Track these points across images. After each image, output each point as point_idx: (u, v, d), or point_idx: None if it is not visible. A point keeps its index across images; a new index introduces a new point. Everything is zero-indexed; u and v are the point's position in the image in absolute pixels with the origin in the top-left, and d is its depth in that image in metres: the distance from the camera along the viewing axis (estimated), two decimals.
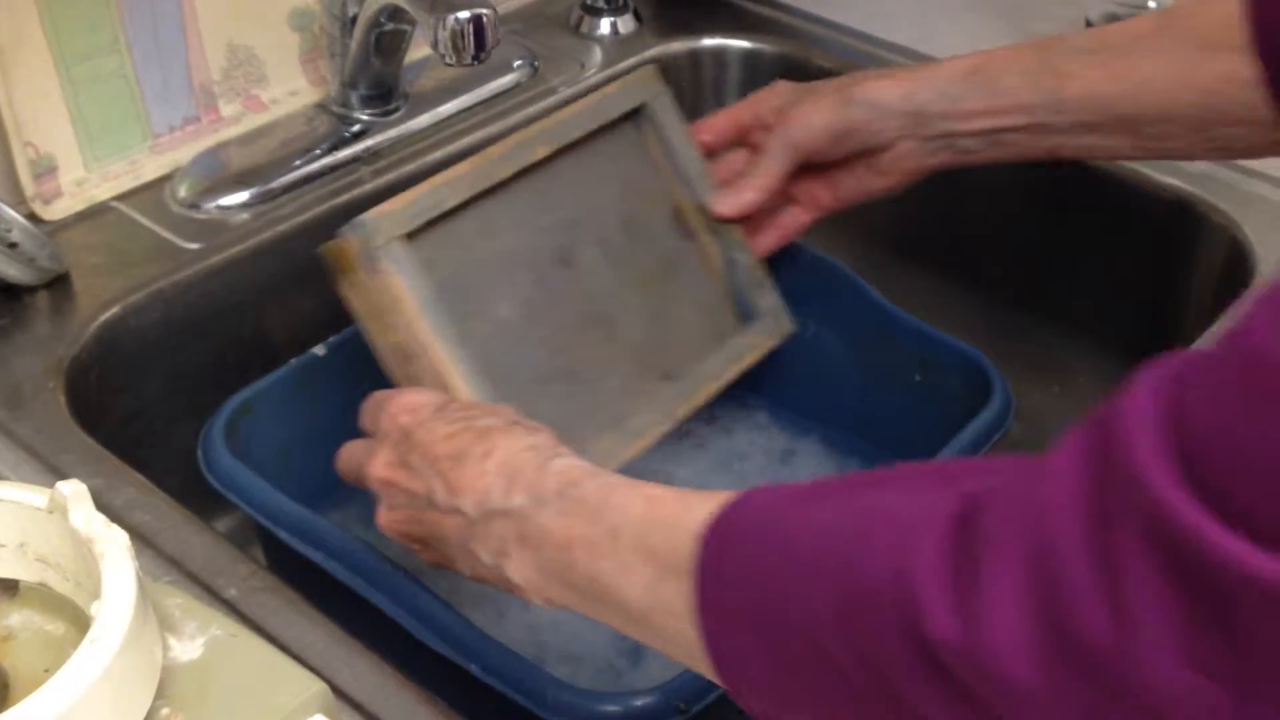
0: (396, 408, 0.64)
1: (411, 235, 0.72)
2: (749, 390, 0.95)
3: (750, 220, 0.83)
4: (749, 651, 0.45)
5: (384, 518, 0.63)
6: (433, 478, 0.60)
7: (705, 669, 0.47)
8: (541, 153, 0.78)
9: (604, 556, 0.51)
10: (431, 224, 0.73)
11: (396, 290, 0.70)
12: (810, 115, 0.78)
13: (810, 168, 0.80)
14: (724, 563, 0.46)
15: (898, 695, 0.40)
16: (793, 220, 0.83)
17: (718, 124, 0.83)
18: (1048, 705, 0.36)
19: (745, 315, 0.85)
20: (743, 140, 0.83)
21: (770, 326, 0.85)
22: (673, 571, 0.48)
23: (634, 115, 0.82)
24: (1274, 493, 0.32)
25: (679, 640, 0.48)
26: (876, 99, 0.76)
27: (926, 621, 0.38)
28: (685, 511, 0.49)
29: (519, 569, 0.55)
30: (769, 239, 0.84)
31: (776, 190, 0.80)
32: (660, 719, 0.62)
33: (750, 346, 0.84)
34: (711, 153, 0.83)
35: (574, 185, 0.80)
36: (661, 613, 0.48)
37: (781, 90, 0.80)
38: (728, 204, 0.80)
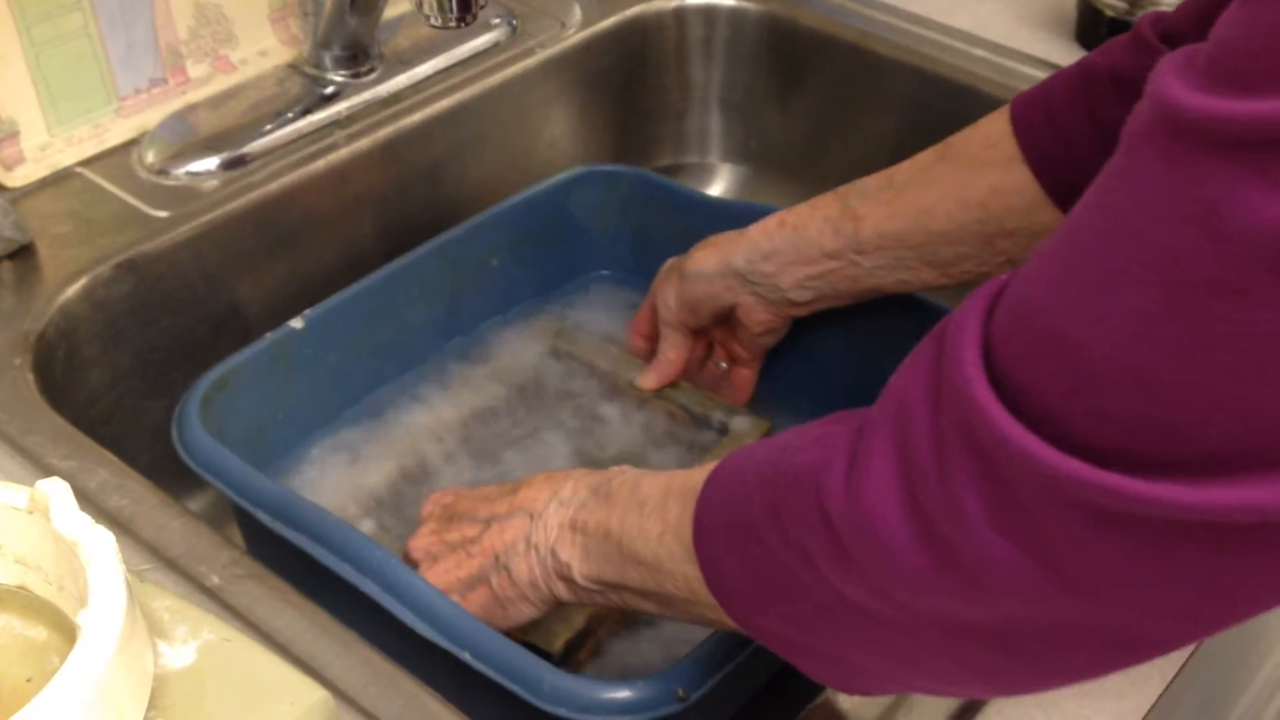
0: (434, 496, 0.75)
1: None
2: None
3: (709, 383, 0.90)
4: (725, 562, 0.54)
5: (431, 575, 0.69)
6: (492, 507, 0.69)
7: (703, 596, 0.56)
8: None
9: (632, 526, 0.61)
10: None
11: None
12: (666, 294, 0.86)
13: (717, 326, 0.87)
14: (709, 501, 0.56)
15: (818, 571, 0.48)
16: (739, 378, 0.90)
17: (639, 326, 0.91)
18: (911, 566, 0.44)
19: (720, 431, 0.88)
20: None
21: (752, 423, 0.88)
22: (674, 525, 0.58)
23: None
24: (1054, 402, 0.40)
25: (681, 578, 0.58)
26: (700, 269, 0.83)
27: (827, 499, 0.47)
28: (689, 479, 0.59)
29: (568, 549, 0.64)
30: (729, 396, 0.90)
31: (682, 359, 0.88)
32: (659, 706, 0.60)
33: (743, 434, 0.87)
34: (652, 343, 0.90)
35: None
36: (669, 558, 0.58)
37: (663, 271, 0.87)
38: (649, 379, 0.89)
